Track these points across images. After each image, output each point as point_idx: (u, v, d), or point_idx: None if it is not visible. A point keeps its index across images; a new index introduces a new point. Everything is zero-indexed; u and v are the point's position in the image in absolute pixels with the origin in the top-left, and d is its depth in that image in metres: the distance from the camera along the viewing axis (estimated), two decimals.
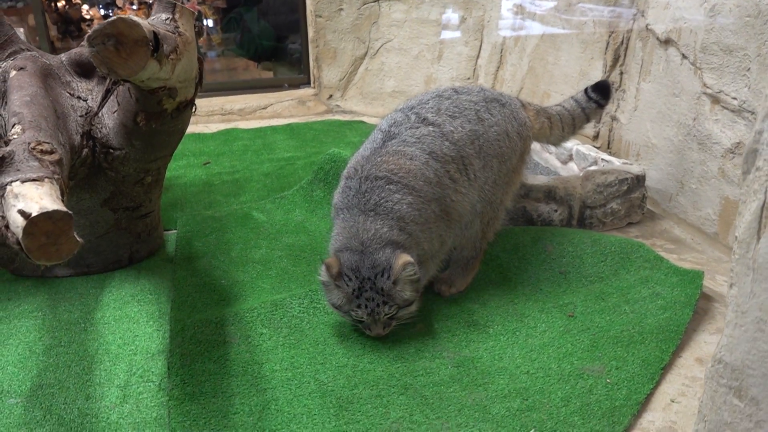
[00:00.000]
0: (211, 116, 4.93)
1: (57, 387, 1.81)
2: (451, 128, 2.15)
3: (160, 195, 2.59)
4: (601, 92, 2.67)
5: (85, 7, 6.61)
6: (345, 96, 5.19)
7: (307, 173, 3.34)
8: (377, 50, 5.01)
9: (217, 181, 3.56)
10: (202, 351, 1.96)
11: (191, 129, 4.62)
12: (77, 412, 1.70)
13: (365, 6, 4.88)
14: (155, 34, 1.59)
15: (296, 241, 2.74)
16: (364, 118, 4.91)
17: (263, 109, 5.07)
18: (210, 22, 6.94)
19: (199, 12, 6.54)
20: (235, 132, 4.56)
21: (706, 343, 2.01)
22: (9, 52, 2.13)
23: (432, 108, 2.20)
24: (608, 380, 1.81)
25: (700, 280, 2.19)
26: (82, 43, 1.49)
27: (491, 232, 2.34)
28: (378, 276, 1.91)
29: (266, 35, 6.73)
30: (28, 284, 2.39)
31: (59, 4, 6.51)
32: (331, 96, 5.21)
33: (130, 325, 2.11)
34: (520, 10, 4.34)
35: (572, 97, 2.71)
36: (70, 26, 6.55)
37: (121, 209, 2.39)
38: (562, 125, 2.60)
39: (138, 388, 1.81)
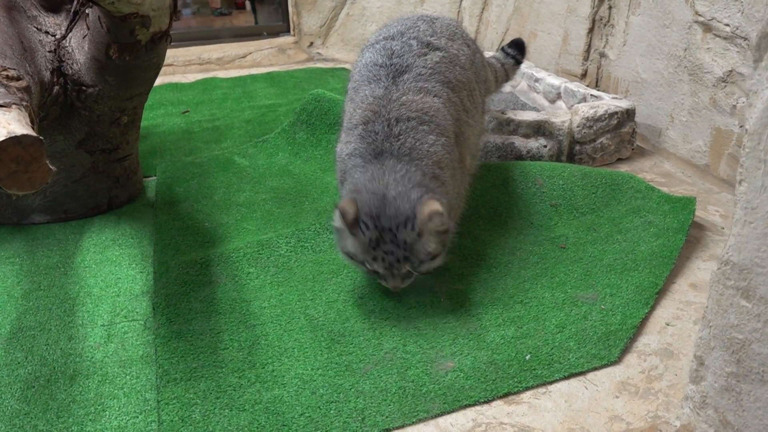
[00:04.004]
0: (188, 66, 4.77)
1: (38, 329, 1.75)
2: (455, 51, 2.02)
3: (137, 138, 2.49)
4: (518, 48, 2.73)
5: None
6: (326, 43, 5.05)
7: (290, 119, 3.25)
8: None
9: (197, 128, 3.45)
10: (187, 291, 1.90)
11: (168, 78, 4.50)
12: (60, 353, 1.65)
13: None
14: None
15: (280, 184, 2.67)
16: (347, 66, 4.78)
17: (242, 58, 4.91)
18: None
19: None
20: (213, 81, 4.42)
21: (699, 270, 2.00)
22: None
23: (427, 31, 2.04)
24: (602, 306, 1.79)
25: (693, 205, 2.16)
26: None
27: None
28: (400, 226, 1.63)
29: None
30: (3, 231, 2.31)
31: None
32: (311, 43, 5.06)
33: (112, 268, 2.05)
34: None
35: (492, 56, 2.72)
36: None
37: (98, 151, 2.30)
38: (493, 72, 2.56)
39: (122, 327, 1.75)
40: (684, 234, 2.05)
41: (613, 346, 1.64)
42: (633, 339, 1.68)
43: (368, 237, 1.65)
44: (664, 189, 2.52)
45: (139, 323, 1.78)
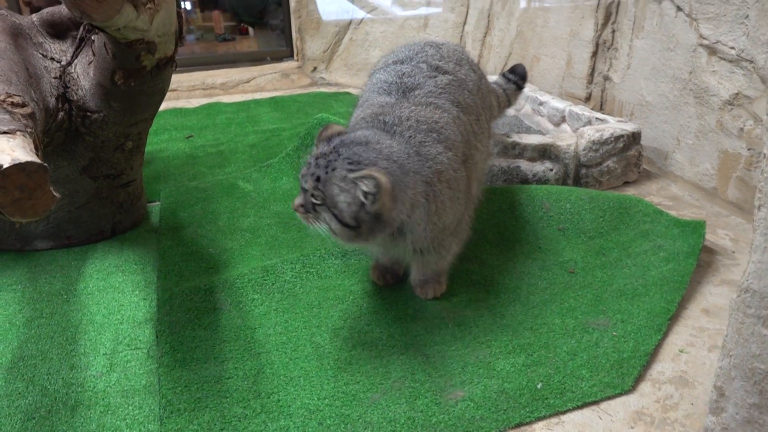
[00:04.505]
0: (192, 91, 4.79)
1: (39, 358, 1.71)
2: (463, 76, 2.01)
3: (141, 163, 2.48)
4: (519, 74, 2.70)
5: None
6: (329, 68, 5.07)
7: (294, 143, 3.24)
8: (361, 19, 4.88)
9: (200, 153, 3.45)
10: (191, 318, 1.87)
11: (172, 104, 4.51)
12: (61, 382, 1.62)
13: None
14: None
15: (285, 209, 2.65)
16: (350, 90, 4.79)
17: (246, 82, 4.93)
18: (188, 5, 6.73)
19: None
20: (217, 106, 4.43)
21: (711, 295, 1.96)
22: None
23: (435, 56, 2.03)
24: (614, 333, 1.75)
25: (702, 229, 2.14)
26: None
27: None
28: (342, 158, 1.56)
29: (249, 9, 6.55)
30: (5, 258, 2.28)
31: None
32: (315, 68, 5.08)
33: (115, 295, 2.02)
34: None
35: (494, 81, 2.67)
36: None
37: (102, 177, 2.28)
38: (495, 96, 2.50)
39: (125, 356, 1.72)
40: (695, 258, 2.03)
41: (626, 374, 1.60)
42: (646, 366, 1.64)
43: (320, 150, 1.62)
44: (672, 212, 2.49)
45: (143, 351, 1.74)
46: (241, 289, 2.02)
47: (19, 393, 1.58)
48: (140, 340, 1.79)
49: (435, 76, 1.93)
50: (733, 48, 2.42)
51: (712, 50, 2.54)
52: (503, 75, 2.71)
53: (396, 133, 1.69)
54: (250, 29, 6.62)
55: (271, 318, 1.89)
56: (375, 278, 2.04)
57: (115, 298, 2.00)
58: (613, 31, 3.25)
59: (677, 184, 2.82)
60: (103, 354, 1.73)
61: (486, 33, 4.51)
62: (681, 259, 2.04)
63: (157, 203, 2.77)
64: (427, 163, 1.67)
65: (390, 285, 2.04)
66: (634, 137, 2.77)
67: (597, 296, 1.94)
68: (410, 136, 1.69)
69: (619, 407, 1.51)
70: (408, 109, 1.77)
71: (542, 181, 2.68)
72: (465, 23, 4.66)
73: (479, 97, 2.06)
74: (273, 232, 2.44)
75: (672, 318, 1.82)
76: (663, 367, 1.65)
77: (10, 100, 1.46)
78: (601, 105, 3.40)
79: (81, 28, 2.07)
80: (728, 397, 1.10)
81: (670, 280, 1.95)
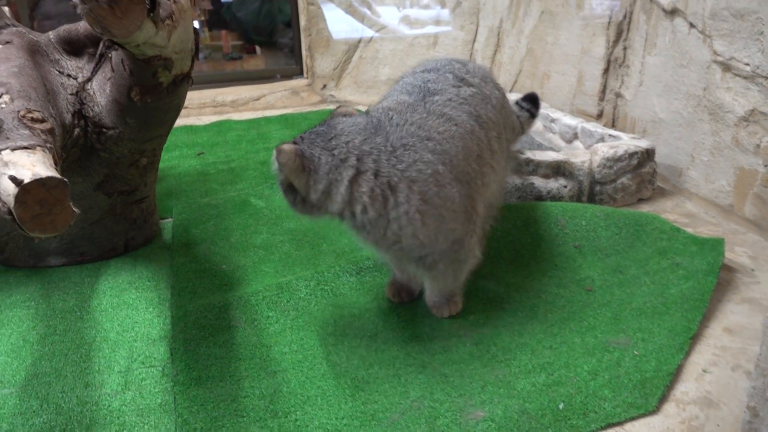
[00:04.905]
0: (202, 108, 4.81)
1: (53, 375, 1.70)
2: (488, 92, 1.99)
3: (155, 179, 2.48)
4: (532, 102, 2.57)
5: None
6: (339, 85, 5.09)
7: None
8: (371, 38, 4.91)
9: (212, 170, 3.45)
10: (206, 336, 1.86)
11: (183, 121, 4.53)
12: (76, 401, 1.60)
13: None
14: None
15: (298, 226, 2.64)
16: (360, 107, 4.81)
17: (256, 100, 4.95)
18: (196, 24, 6.79)
19: None
20: (228, 123, 4.45)
21: (732, 313, 1.94)
22: None
23: (462, 69, 2.02)
24: (635, 352, 1.72)
25: (722, 247, 2.11)
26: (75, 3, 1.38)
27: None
28: (304, 135, 1.72)
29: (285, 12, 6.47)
30: (19, 274, 2.28)
31: None
32: (325, 86, 5.10)
33: (129, 312, 2.00)
34: None
35: None
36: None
37: (116, 193, 2.28)
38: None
39: (140, 373, 1.70)
40: (715, 276, 2.00)
41: (649, 394, 1.57)
42: (670, 387, 1.61)
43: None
44: (689, 230, 2.47)
45: (157, 369, 1.72)
46: (255, 307, 2.00)
47: (34, 411, 1.56)
48: (155, 358, 1.77)
49: (459, 86, 1.92)
50: (747, 64, 2.41)
51: (726, 67, 2.53)
52: (516, 103, 2.58)
53: (381, 130, 1.69)
54: (258, 48, 6.67)
55: (287, 336, 1.87)
56: (390, 295, 2.03)
57: (128, 315, 1.99)
58: (625, 48, 3.25)
59: (692, 201, 2.80)
60: (118, 372, 1.71)
61: (496, 51, 4.53)
62: (700, 277, 2.02)
63: (170, 220, 2.77)
64: (399, 166, 1.63)
65: (405, 302, 2.02)
66: (648, 154, 2.76)
67: (616, 314, 1.91)
68: (396, 138, 1.67)
69: (643, 428, 1.48)
70: (417, 114, 1.75)
71: (556, 198, 2.66)
72: (474, 41, 4.68)
73: (502, 116, 2.05)
74: (286, 249, 2.43)
75: (693, 337, 1.79)
76: (687, 387, 1.62)
77: (30, 115, 1.46)
78: (613, 122, 3.39)
79: (100, 45, 2.08)
80: (762, 418, 1.07)
81: (690, 299, 1.93)
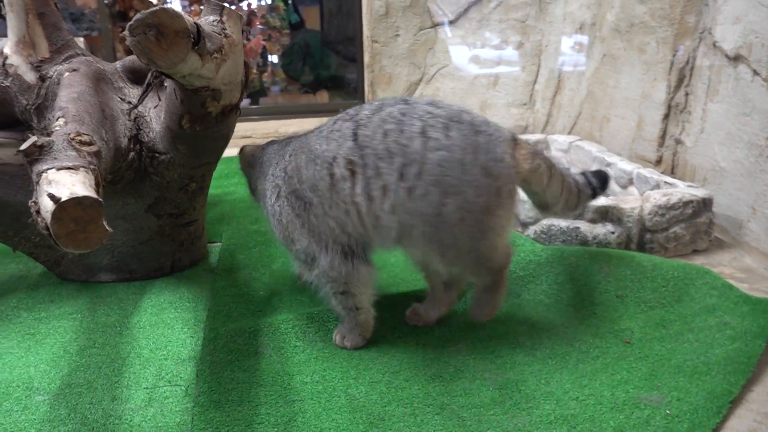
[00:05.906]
0: (265, 139, 4.96)
1: (85, 387, 1.77)
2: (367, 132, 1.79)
3: (204, 204, 2.57)
4: (601, 181, 2.21)
5: None
6: None
7: None
8: (432, 75, 4.97)
9: None
10: (232, 360, 1.89)
11: None
12: (101, 413, 1.66)
13: (422, 32, 4.87)
14: (197, 27, 1.58)
15: None
16: None
17: None
18: (275, 58, 7.08)
19: (264, 48, 6.69)
20: None
21: None
22: (66, 56, 2.18)
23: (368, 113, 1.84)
24: (668, 411, 1.63)
25: None
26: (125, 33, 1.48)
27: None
28: None
29: (326, 64, 6.87)
30: (71, 288, 2.40)
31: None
32: None
33: (165, 331, 2.07)
34: (580, 30, 4.23)
35: (572, 175, 2.18)
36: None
37: (165, 215, 2.38)
38: (562, 185, 2.03)
39: (164, 392, 1.75)
40: (764, 339, 1.88)
41: None
42: None
43: None
44: (744, 286, 2.33)
45: (181, 389, 1.77)
46: (284, 335, 2.03)
47: (61, 419, 1.63)
48: (181, 377, 1.82)
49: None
50: None
51: None
52: (584, 174, 2.21)
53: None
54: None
55: (311, 366, 1.88)
56: (408, 318, 2.13)
57: (164, 334, 2.05)
58: (687, 94, 3.15)
59: (752, 255, 2.65)
60: (144, 388, 1.76)
61: (556, 92, 4.48)
62: (749, 339, 1.89)
63: (219, 244, 2.86)
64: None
65: (421, 326, 2.10)
66: (705, 203, 2.64)
67: (652, 370, 1.82)
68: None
69: None
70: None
71: (603, 244, 2.58)
72: (535, 82, 4.66)
73: (395, 165, 1.76)
74: None
75: (734, 401, 1.67)
76: None
77: (79, 138, 1.56)
78: (672, 169, 3.27)
79: (149, 75, 2.20)
80: None
81: (735, 361, 1.81)
